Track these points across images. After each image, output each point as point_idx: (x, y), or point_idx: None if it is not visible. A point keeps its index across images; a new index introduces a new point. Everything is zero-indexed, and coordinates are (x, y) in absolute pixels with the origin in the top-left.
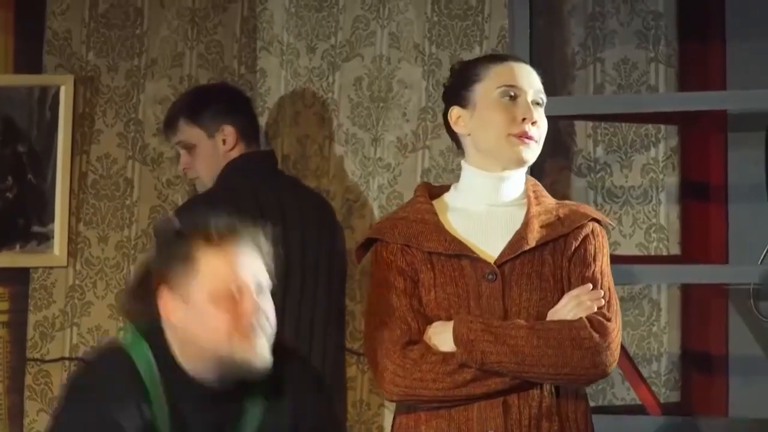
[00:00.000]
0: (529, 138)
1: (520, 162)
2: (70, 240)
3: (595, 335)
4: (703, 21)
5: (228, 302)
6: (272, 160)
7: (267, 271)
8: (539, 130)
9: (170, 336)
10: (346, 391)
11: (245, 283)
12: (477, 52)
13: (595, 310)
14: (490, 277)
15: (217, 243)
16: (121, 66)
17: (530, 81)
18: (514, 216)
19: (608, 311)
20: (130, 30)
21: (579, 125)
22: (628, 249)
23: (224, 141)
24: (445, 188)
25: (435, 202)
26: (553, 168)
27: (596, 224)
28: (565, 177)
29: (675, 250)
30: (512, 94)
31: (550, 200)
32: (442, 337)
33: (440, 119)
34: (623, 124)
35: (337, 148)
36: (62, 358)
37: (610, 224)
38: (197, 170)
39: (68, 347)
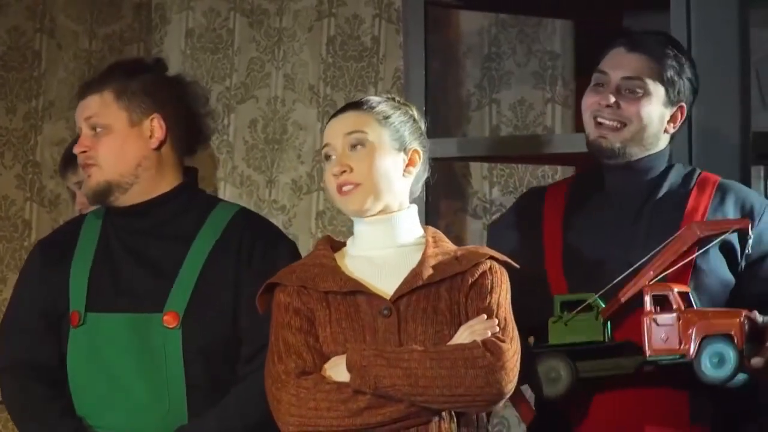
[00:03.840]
0: (345, 187)
1: (353, 213)
2: None
3: (488, 354)
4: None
5: None
6: None
7: None
8: (358, 173)
9: None
10: None
11: None
12: (372, 93)
13: (489, 336)
14: (385, 312)
15: None
16: (19, 108)
17: (339, 131)
18: (410, 257)
19: (503, 335)
20: (28, 72)
21: (474, 167)
22: None
23: None
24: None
25: (336, 254)
26: (448, 210)
27: (494, 262)
28: (461, 219)
29: None
30: (328, 153)
31: (449, 245)
32: (337, 369)
33: None
34: (519, 166)
35: (231, 190)
36: None
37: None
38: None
39: None
